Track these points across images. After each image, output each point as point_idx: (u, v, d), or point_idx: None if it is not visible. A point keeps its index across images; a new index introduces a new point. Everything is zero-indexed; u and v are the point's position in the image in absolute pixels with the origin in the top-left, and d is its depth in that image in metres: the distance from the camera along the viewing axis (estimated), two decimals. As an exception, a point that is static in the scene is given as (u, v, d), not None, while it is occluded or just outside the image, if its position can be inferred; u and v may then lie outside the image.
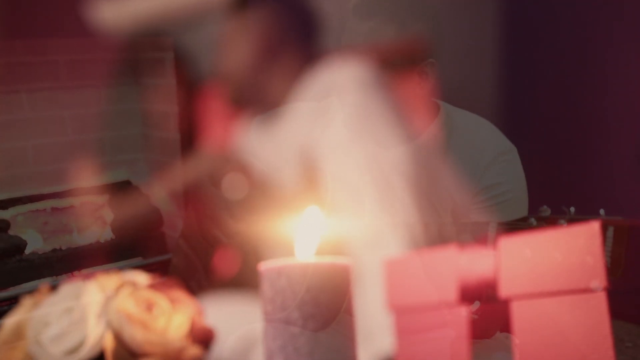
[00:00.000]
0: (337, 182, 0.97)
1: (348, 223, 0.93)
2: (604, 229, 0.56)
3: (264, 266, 0.47)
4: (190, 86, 1.90)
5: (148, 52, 1.63)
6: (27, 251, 1.59)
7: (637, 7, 1.70)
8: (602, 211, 0.65)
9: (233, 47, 1.40)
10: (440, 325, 0.43)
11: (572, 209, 0.72)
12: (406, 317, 0.45)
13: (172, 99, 1.75)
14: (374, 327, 0.81)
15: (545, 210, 0.78)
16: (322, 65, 1.21)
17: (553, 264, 0.38)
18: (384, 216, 0.89)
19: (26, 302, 0.68)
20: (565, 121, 1.77)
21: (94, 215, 1.60)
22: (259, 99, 1.37)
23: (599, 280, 0.35)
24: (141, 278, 0.69)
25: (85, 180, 1.60)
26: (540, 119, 1.81)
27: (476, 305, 0.87)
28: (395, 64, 1.88)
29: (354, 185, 0.94)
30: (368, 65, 1.24)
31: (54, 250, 1.60)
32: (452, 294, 0.42)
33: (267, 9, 1.41)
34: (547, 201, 1.50)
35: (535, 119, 1.81)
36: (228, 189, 1.40)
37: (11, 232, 1.61)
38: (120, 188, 1.62)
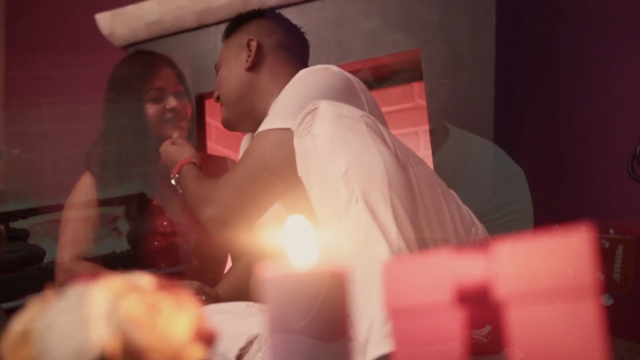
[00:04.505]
0: (318, 191, 0.96)
1: (335, 232, 0.91)
2: (614, 247, 0.58)
3: (266, 273, 0.47)
4: (203, 100, 1.95)
5: (164, 67, 1.66)
6: (46, 260, 1.63)
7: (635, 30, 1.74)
8: (611, 231, 0.67)
9: (226, 64, 1.43)
10: (441, 339, 0.44)
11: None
12: (404, 321, 0.45)
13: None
14: (370, 331, 0.81)
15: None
16: (308, 77, 1.23)
17: (547, 270, 0.39)
18: (373, 225, 0.87)
19: (33, 306, 0.70)
20: (559, 129, 1.80)
21: (110, 227, 1.63)
22: (251, 111, 1.40)
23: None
24: (145, 281, 0.70)
25: (101, 192, 1.63)
26: (533, 128, 1.84)
27: (487, 328, 0.88)
28: (398, 80, 1.91)
29: (337, 195, 0.91)
30: (354, 77, 1.26)
31: (71, 259, 1.64)
32: (449, 296, 0.43)
33: (260, 26, 1.44)
34: (545, 212, 1.51)
35: (529, 125, 1.84)
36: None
37: (30, 241, 1.65)
38: (135, 200, 1.65)
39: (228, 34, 1.48)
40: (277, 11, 1.56)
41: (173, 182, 1.45)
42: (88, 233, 1.58)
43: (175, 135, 1.57)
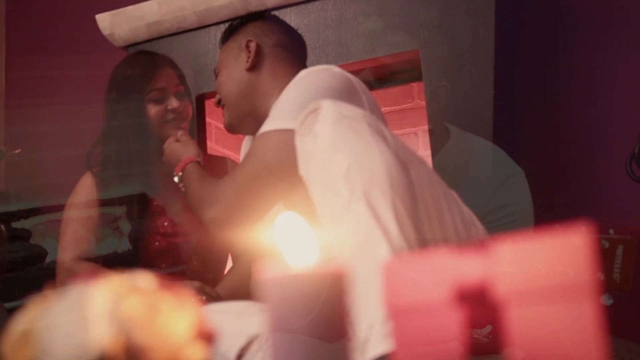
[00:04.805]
0: (320, 190, 0.96)
1: (336, 231, 0.91)
2: (614, 247, 0.59)
3: (267, 273, 0.47)
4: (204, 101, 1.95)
5: (165, 67, 1.67)
6: (48, 260, 1.63)
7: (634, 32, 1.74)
8: (611, 231, 0.67)
9: (225, 66, 1.43)
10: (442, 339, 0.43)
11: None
12: (404, 320, 0.45)
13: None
14: (369, 331, 0.81)
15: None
16: (308, 78, 1.23)
17: (547, 270, 0.39)
18: (374, 224, 0.87)
19: (34, 305, 0.70)
20: (559, 129, 1.80)
21: (111, 227, 1.63)
22: (252, 113, 1.40)
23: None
24: (146, 281, 0.70)
25: (102, 192, 1.63)
26: (531, 129, 1.84)
27: (487, 328, 0.88)
28: (398, 80, 1.91)
29: (338, 194, 0.91)
30: (354, 77, 1.26)
31: (73, 259, 1.64)
32: (449, 296, 0.43)
33: (258, 27, 1.44)
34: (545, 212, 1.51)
35: (526, 128, 1.84)
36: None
37: (32, 241, 1.66)
38: (136, 200, 1.65)
39: (226, 37, 1.48)
40: (273, 13, 1.56)
41: (176, 179, 1.45)
42: (89, 233, 1.58)
43: (180, 133, 1.57)
